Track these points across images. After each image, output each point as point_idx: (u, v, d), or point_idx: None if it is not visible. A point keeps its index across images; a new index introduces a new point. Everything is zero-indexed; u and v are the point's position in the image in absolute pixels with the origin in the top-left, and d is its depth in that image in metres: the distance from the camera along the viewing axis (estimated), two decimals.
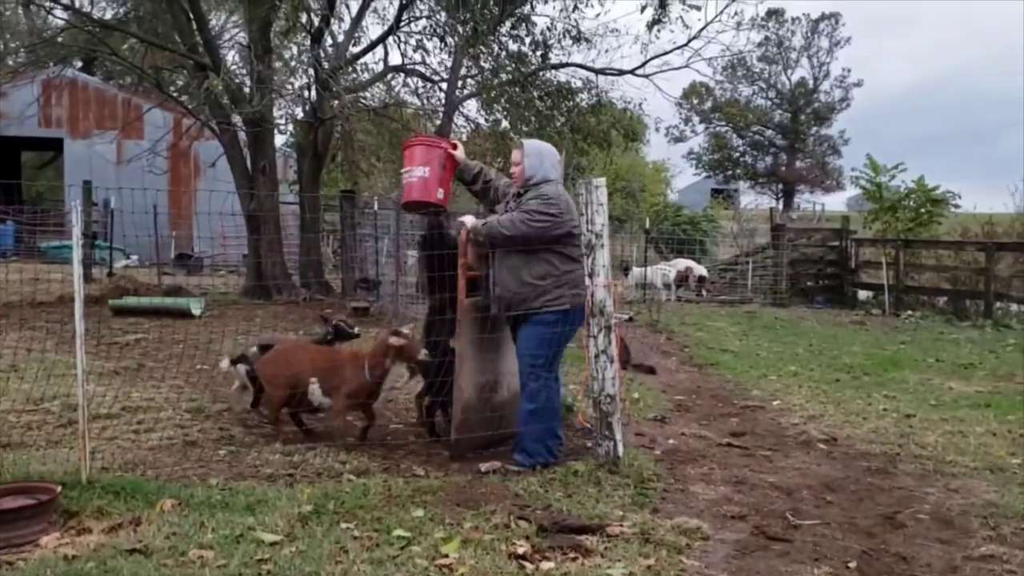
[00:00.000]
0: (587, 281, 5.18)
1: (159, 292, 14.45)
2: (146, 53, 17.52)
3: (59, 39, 18.35)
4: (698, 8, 16.36)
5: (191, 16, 15.12)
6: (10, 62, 24.20)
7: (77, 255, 4.64)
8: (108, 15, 20.34)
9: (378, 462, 5.40)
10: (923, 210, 18.61)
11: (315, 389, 5.81)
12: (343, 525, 4.09)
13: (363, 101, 16.53)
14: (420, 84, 17.74)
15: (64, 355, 8.63)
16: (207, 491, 4.52)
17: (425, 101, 18.01)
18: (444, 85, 17.47)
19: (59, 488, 4.21)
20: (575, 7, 16.66)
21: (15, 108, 23.64)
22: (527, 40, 17.05)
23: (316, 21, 15.54)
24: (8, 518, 3.94)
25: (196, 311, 12.39)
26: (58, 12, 17.81)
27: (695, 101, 59.60)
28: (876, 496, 5.14)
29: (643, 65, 17.43)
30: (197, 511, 4.17)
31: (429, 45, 16.92)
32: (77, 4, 17.47)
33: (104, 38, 17.05)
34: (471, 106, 18.71)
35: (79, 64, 27.62)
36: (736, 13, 16.82)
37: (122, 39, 18.43)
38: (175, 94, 19.99)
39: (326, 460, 5.36)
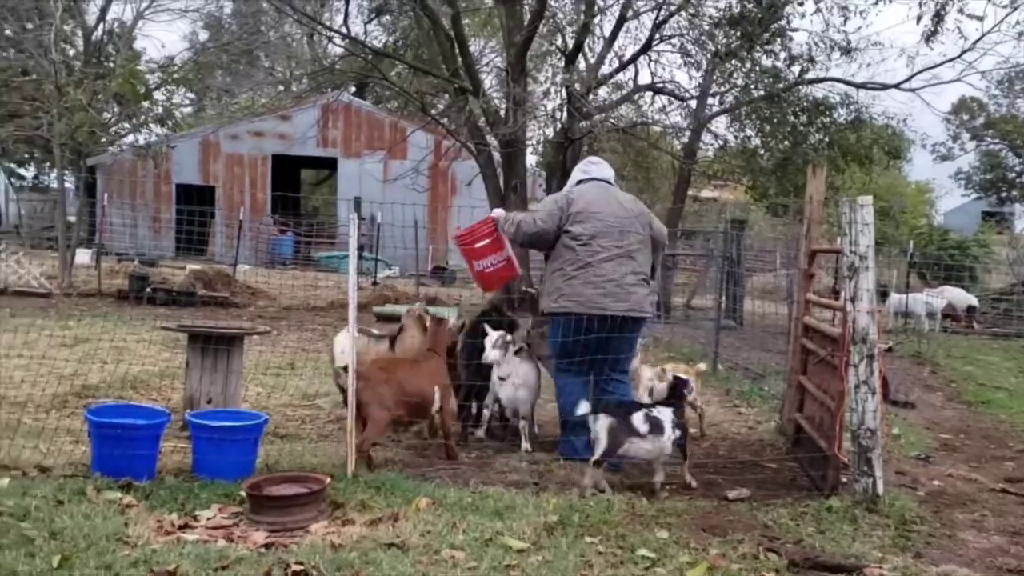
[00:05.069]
0: (848, 306, 4.91)
1: (417, 301, 15.32)
2: (412, 78, 18.68)
3: (337, 66, 19.98)
4: (980, 19, 15.03)
5: (455, 42, 15.96)
6: (294, 88, 26.73)
7: (353, 264, 4.98)
8: (380, 43, 21.95)
9: (619, 477, 5.41)
10: None
11: None
12: (587, 539, 4.10)
13: (612, 120, 16.68)
14: (668, 102, 17.65)
15: None
16: (459, 493, 4.69)
17: (678, 119, 17.86)
18: (693, 103, 17.29)
19: (328, 479, 4.48)
20: (845, 20, 15.88)
21: (298, 130, 26.14)
22: (782, 55, 16.52)
23: (570, 44, 15.88)
24: (284, 503, 4.24)
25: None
26: (337, 41, 19.45)
27: (965, 117, 54.89)
28: None
29: (909, 79, 16.35)
30: (450, 512, 4.33)
31: (682, 62, 16.82)
32: (354, 33, 18.93)
33: (376, 64, 18.34)
34: (720, 123, 18.38)
35: (353, 89, 29.95)
36: (1018, 23, 15.31)
37: (391, 65, 19.76)
38: (437, 117, 21.15)
39: (569, 472, 5.43)
